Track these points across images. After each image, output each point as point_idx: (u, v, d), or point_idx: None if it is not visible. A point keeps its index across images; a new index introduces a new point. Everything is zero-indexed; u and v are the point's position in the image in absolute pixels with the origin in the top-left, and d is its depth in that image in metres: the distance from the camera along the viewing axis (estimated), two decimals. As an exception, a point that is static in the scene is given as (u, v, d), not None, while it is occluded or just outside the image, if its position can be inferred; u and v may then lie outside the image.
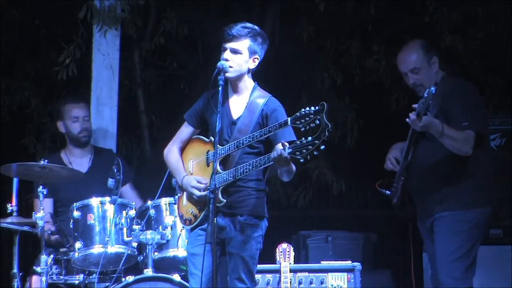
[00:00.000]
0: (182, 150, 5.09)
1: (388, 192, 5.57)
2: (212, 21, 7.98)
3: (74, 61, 7.39)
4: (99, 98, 7.08)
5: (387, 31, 8.36)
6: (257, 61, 4.92)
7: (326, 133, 4.47)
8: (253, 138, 4.74)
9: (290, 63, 8.28)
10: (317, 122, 4.51)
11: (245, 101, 4.93)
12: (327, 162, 8.20)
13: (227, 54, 4.84)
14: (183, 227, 5.65)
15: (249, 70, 4.93)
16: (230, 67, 4.84)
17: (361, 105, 8.33)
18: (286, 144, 4.60)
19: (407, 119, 5.12)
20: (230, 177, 4.77)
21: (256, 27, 4.92)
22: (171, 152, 5.08)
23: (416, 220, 5.56)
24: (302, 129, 4.56)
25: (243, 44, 4.85)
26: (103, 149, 6.68)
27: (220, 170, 4.80)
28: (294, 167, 4.79)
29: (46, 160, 5.75)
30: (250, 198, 4.86)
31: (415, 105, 5.08)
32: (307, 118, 4.54)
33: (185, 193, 5.00)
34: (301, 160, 4.57)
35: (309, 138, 4.52)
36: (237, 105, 4.94)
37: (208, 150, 4.91)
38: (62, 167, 6.09)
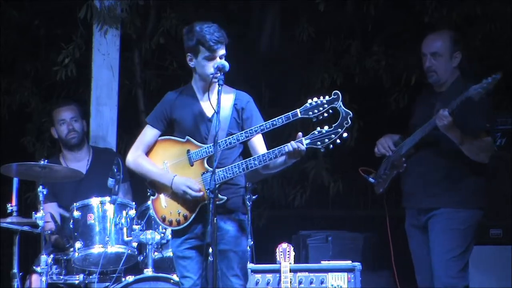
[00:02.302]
0: (146, 155, 4.96)
1: (372, 180, 5.56)
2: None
3: (73, 61, 7.39)
4: (99, 98, 7.07)
5: (387, 31, 8.35)
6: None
7: (349, 121, 4.56)
8: (252, 133, 4.72)
9: (290, 63, 8.28)
10: (331, 111, 4.57)
11: (214, 98, 4.82)
12: (326, 162, 8.19)
13: (221, 61, 4.80)
14: (165, 228, 5.54)
15: None
16: None
17: (360, 105, 8.32)
18: (301, 135, 4.62)
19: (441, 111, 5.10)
20: (230, 174, 4.73)
21: None
22: (141, 157, 4.92)
23: (392, 218, 5.53)
24: (314, 119, 4.60)
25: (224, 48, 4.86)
26: (102, 149, 6.65)
27: (210, 169, 4.73)
28: None
29: (46, 160, 5.75)
30: (237, 195, 4.88)
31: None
32: (321, 108, 4.61)
33: (162, 195, 4.88)
34: (322, 150, 4.62)
35: (326, 127, 4.59)
36: (208, 103, 4.87)
37: (188, 150, 4.83)
38: (62, 166, 6.11)
